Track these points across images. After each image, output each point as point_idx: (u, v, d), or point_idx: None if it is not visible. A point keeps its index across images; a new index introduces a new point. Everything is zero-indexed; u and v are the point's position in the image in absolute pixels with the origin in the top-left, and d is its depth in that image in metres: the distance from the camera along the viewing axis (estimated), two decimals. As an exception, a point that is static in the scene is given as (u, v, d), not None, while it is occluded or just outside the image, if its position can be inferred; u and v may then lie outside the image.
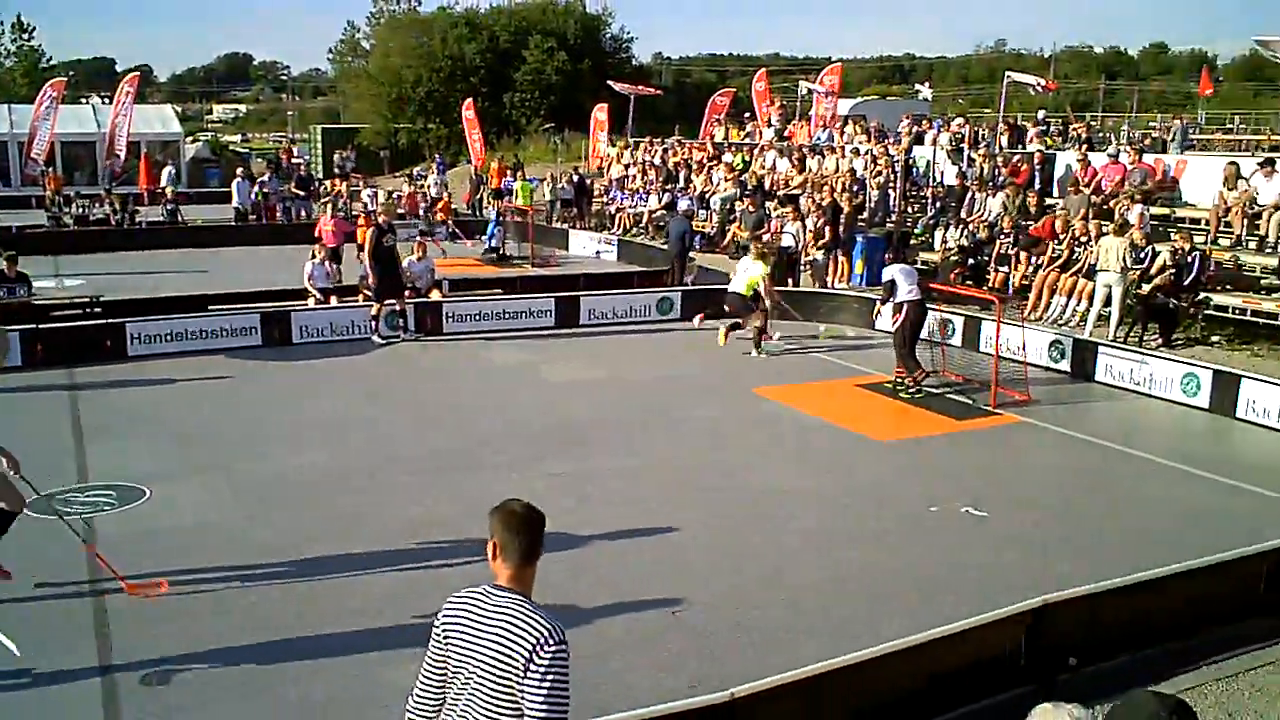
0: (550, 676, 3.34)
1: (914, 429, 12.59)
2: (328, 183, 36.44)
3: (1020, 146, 23.45)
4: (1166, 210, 18.75)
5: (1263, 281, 16.21)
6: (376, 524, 9.10)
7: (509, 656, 3.36)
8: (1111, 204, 18.34)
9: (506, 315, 17.93)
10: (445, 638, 3.52)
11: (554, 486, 10.02)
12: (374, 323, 16.75)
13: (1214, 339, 15.72)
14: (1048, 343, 15.33)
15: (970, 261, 18.95)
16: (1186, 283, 15.61)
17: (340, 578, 8.00)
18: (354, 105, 62.76)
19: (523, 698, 3.34)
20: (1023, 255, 18.28)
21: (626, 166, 32.66)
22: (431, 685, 3.58)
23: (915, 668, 6.20)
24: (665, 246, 23.00)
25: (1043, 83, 29.12)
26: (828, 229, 20.40)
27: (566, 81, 54.10)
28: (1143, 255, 16.12)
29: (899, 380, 14.09)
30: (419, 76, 55.16)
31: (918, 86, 65.75)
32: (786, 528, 9.27)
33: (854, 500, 10.05)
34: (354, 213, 26.08)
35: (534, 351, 16.38)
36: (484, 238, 27.42)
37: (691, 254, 23.05)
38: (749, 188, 24.71)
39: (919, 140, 25.17)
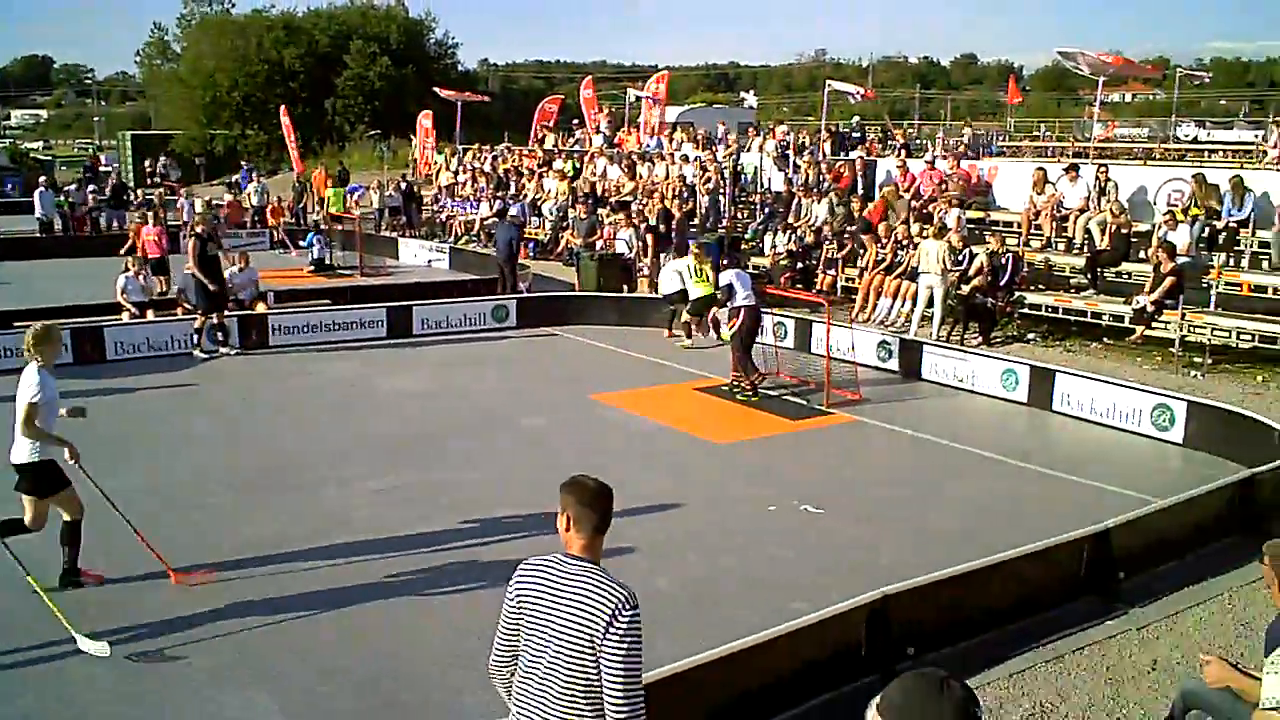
0: (629, 639, 3.59)
1: (752, 430, 12.76)
2: (155, 192, 34.91)
3: (843, 153, 24.15)
4: (981, 214, 19.58)
5: (1072, 281, 17.10)
6: (201, 549, 8.66)
7: (590, 620, 3.60)
8: (930, 208, 19.05)
9: (336, 326, 17.40)
10: (519, 604, 3.79)
11: (388, 500, 9.79)
12: (196, 336, 16.03)
13: (1029, 336, 16.49)
14: (876, 343, 15.78)
15: (799, 265, 19.39)
16: (1002, 283, 16.34)
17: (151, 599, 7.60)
18: (165, 110, 60.27)
19: (600, 658, 3.59)
20: (865, 242, 18.73)
21: (456, 174, 32.27)
22: (506, 646, 3.86)
23: (758, 666, 6.24)
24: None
25: (861, 91, 30.20)
26: (650, 236, 20.60)
27: (390, 87, 53.23)
28: (961, 257, 16.79)
29: (736, 383, 14.26)
30: (234, 81, 53.36)
31: (743, 94, 67.11)
32: (626, 534, 9.22)
33: (694, 502, 10.09)
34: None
35: (366, 363, 15.94)
36: (304, 243, 26.68)
37: (526, 262, 22.91)
38: (581, 194, 24.72)
39: (745, 147, 25.66)
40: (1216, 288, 15.31)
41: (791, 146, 24.77)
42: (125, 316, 17.27)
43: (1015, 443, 12.33)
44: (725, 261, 15.03)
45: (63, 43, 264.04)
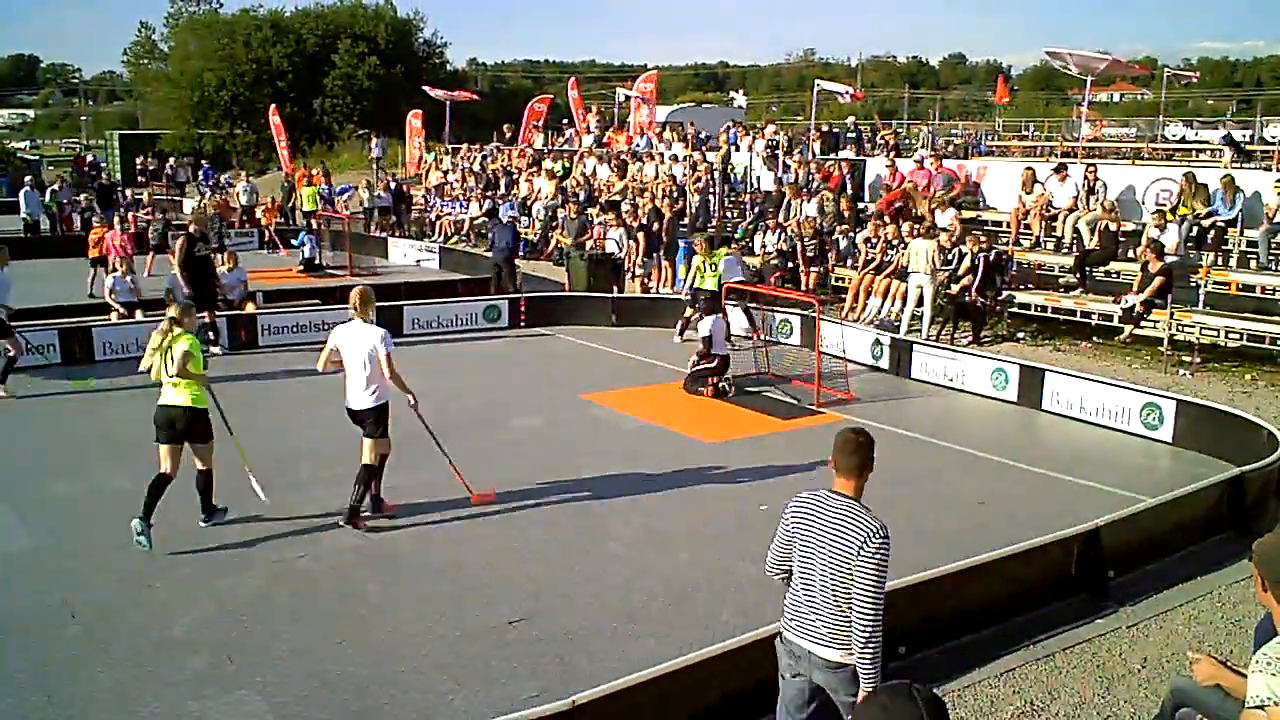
0: (878, 560, 4.44)
1: (742, 430, 12.76)
2: (145, 192, 34.89)
3: (833, 153, 24.18)
4: (971, 213, 19.60)
5: (1061, 280, 17.14)
6: (188, 549, 8.62)
7: (847, 543, 4.49)
8: (920, 208, 19.06)
9: (326, 327, 17.19)
10: (793, 527, 4.76)
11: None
12: (184, 336, 15.96)
13: (1019, 335, 16.53)
14: (869, 342, 15.80)
15: (790, 265, 19.40)
16: (978, 281, 16.34)
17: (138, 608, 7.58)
18: (153, 110, 60.13)
19: (854, 574, 4.43)
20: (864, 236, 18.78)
21: (445, 173, 32.22)
22: (779, 555, 4.86)
23: (749, 666, 6.23)
24: (489, 254, 22.55)
25: (850, 91, 30.22)
26: (640, 235, 20.57)
27: (379, 87, 53.15)
28: (950, 257, 16.81)
29: (727, 382, 14.25)
30: (222, 80, 53.22)
31: (732, 94, 67.14)
32: (614, 533, 9.24)
33: (684, 502, 10.09)
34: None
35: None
36: (296, 243, 26.61)
37: (515, 261, 22.82)
38: (571, 194, 24.71)
39: (735, 146, 25.67)
40: (1205, 287, 15.38)
41: (781, 146, 24.78)
42: (114, 317, 17.22)
43: (1005, 442, 12.35)
44: (707, 307, 14.79)
45: (49, 42, 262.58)
